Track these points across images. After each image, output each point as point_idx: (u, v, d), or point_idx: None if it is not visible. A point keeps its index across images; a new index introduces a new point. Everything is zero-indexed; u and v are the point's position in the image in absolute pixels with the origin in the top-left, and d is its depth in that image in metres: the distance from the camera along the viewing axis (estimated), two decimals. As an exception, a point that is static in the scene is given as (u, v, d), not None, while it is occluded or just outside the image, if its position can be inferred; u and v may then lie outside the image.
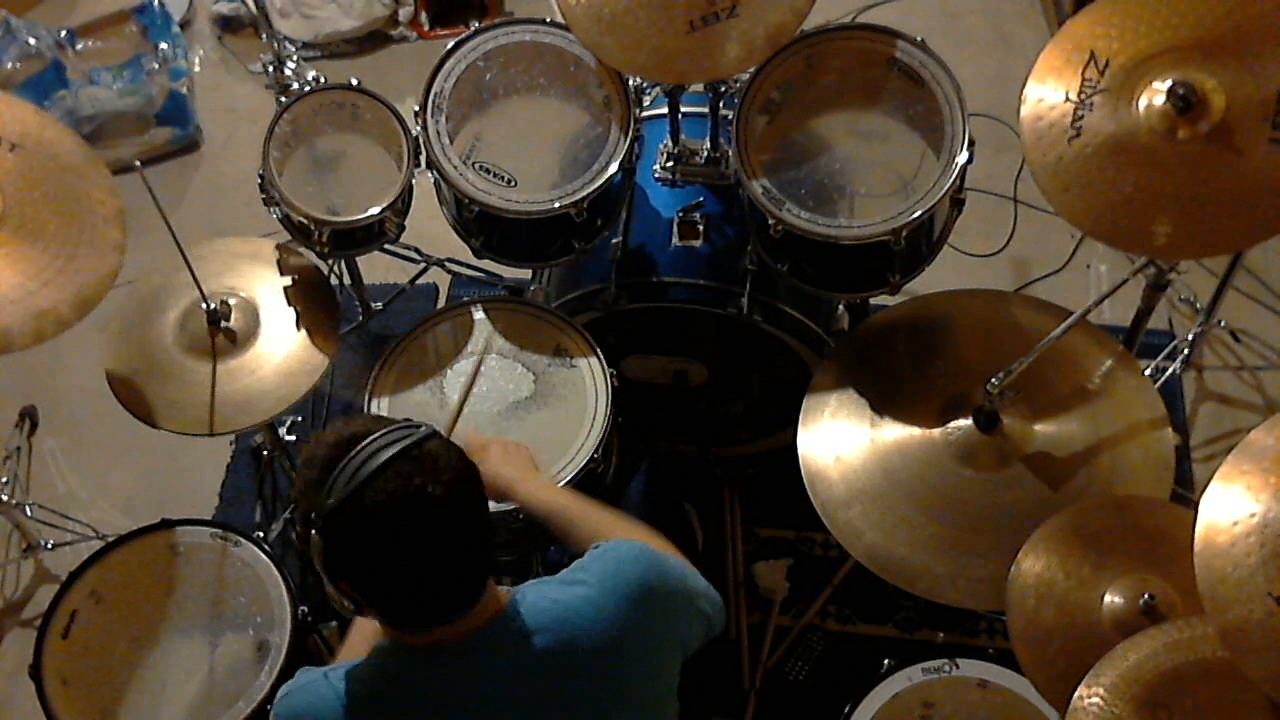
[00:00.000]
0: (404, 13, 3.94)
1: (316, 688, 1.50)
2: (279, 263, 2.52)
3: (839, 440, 2.23)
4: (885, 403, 2.25)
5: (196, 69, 3.97)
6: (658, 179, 2.58)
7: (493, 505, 2.17)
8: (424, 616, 1.45)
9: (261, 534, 2.38)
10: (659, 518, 1.75)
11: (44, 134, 2.27)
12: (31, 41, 3.75)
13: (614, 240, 2.51)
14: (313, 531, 1.40)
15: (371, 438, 1.39)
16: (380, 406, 2.35)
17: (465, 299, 2.52)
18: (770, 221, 2.24)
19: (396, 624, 1.47)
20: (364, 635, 1.70)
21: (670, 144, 2.56)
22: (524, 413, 2.32)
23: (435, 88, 2.39)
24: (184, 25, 4.00)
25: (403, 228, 2.55)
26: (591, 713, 1.49)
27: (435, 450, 1.42)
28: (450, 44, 2.42)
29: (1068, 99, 2.04)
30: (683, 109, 2.49)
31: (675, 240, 2.52)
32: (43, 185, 2.21)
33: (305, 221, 2.45)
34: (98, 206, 2.24)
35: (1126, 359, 2.25)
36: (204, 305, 2.36)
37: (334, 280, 2.81)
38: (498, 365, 2.39)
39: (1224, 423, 2.99)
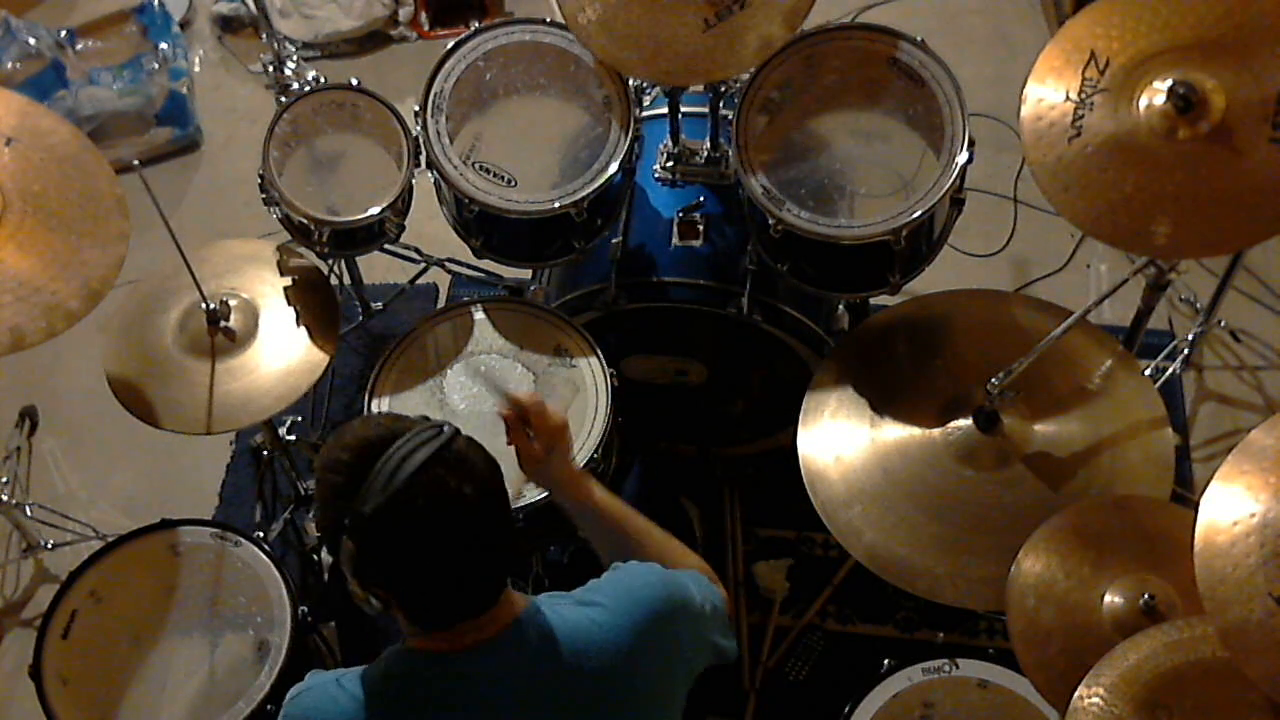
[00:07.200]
0: (404, 13, 3.95)
1: (328, 690, 1.49)
2: (279, 263, 2.52)
3: (839, 440, 2.23)
4: (885, 403, 2.25)
5: (196, 69, 3.97)
6: (658, 179, 2.58)
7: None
8: (453, 615, 1.45)
9: (261, 534, 2.38)
10: (657, 516, 1.74)
11: (40, 125, 2.28)
12: (31, 41, 3.76)
13: (614, 240, 2.51)
14: (344, 537, 1.39)
15: (401, 441, 1.39)
16: (380, 406, 2.35)
17: (465, 299, 2.52)
18: (770, 221, 2.24)
19: (424, 624, 1.47)
20: None
21: (670, 144, 2.56)
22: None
23: (435, 88, 2.39)
24: (184, 25, 4.00)
25: (403, 228, 2.55)
26: None
27: (464, 450, 1.42)
28: (450, 44, 2.42)
29: (1068, 99, 2.04)
30: (683, 109, 2.49)
31: (675, 240, 2.52)
32: (42, 179, 2.21)
33: (305, 221, 2.45)
34: (99, 197, 2.24)
35: (1126, 359, 2.25)
36: (203, 305, 2.36)
37: (334, 280, 2.81)
38: (498, 365, 2.39)
39: (1224, 423, 2.99)
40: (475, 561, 1.42)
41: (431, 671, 1.47)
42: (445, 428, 1.43)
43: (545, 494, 2.19)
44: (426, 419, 1.45)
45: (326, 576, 2.86)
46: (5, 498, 2.90)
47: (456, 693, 1.46)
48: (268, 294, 2.47)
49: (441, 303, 3.37)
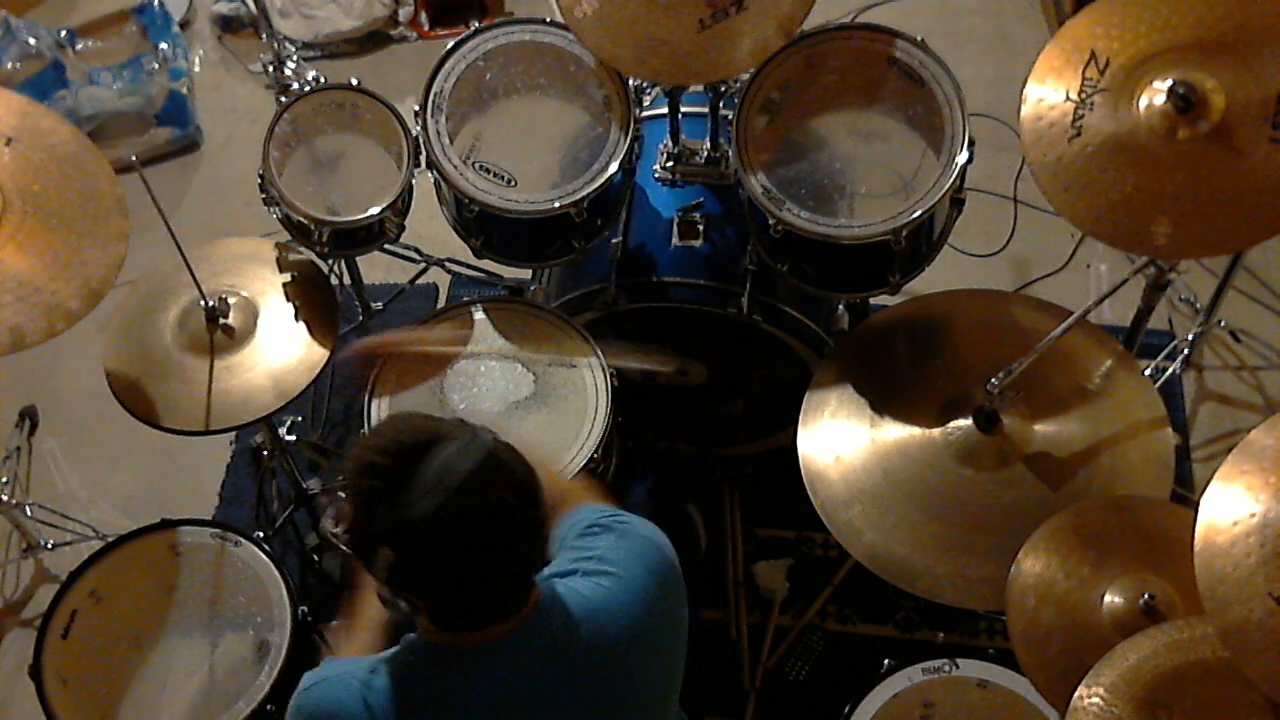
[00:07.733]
0: (404, 13, 3.94)
1: (345, 682, 1.46)
2: (278, 260, 2.52)
3: (839, 440, 2.23)
4: (885, 403, 2.25)
5: (196, 69, 3.97)
6: (658, 179, 2.58)
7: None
8: (486, 618, 1.44)
9: (261, 534, 2.38)
10: (662, 519, 1.74)
11: (40, 125, 2.28)
12: (31, 41, 3.75)
13: (614, 240, 2.51)
14: (381, 544, 1.36)
15: (440, 446, 1.36)
16: (380, 406, 2.35)
17: (465, 299, 2.52)
18: (770, 221, 2.25)
19: (454, 627, 1.45)
20: (367, 624, 1.68)
21: (670, 144, 2.56)
22: (524, 413, 2.32)
23: (435, 88, 2.39)
24: (184, 25, 4.00)
25: (403, 228, 2.55)
26: (625, 700, 1.51)
27: (504, 455, 1.40)
28: (450, 44, 2.42)
29: (1068, 99, 2.04)
30: (683, 109, 2.49)
31: (675, 240, 2.52)
32: (42, 179, 2.21)
33: (305, 221, 2.45)
34: (99, 197, 2.24)
35: (1126, 359, 2.25)
36: (202, 302, 2.36)
37: (334, 280, 2.81)
38: (498, 365, 2.39)
39: (1224, 423, 2.99)
40: (513, 567, 1.41)
41: (455, 665, 1.45)
42: (482, 432, 1.40)
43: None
44: (461, 422, 1.42)
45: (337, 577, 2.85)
46: (5, 498, 2.90)
47: (482, 685, 1.45)
48: (267, 291, 2.47)
49: (441, 303, 3.37)
